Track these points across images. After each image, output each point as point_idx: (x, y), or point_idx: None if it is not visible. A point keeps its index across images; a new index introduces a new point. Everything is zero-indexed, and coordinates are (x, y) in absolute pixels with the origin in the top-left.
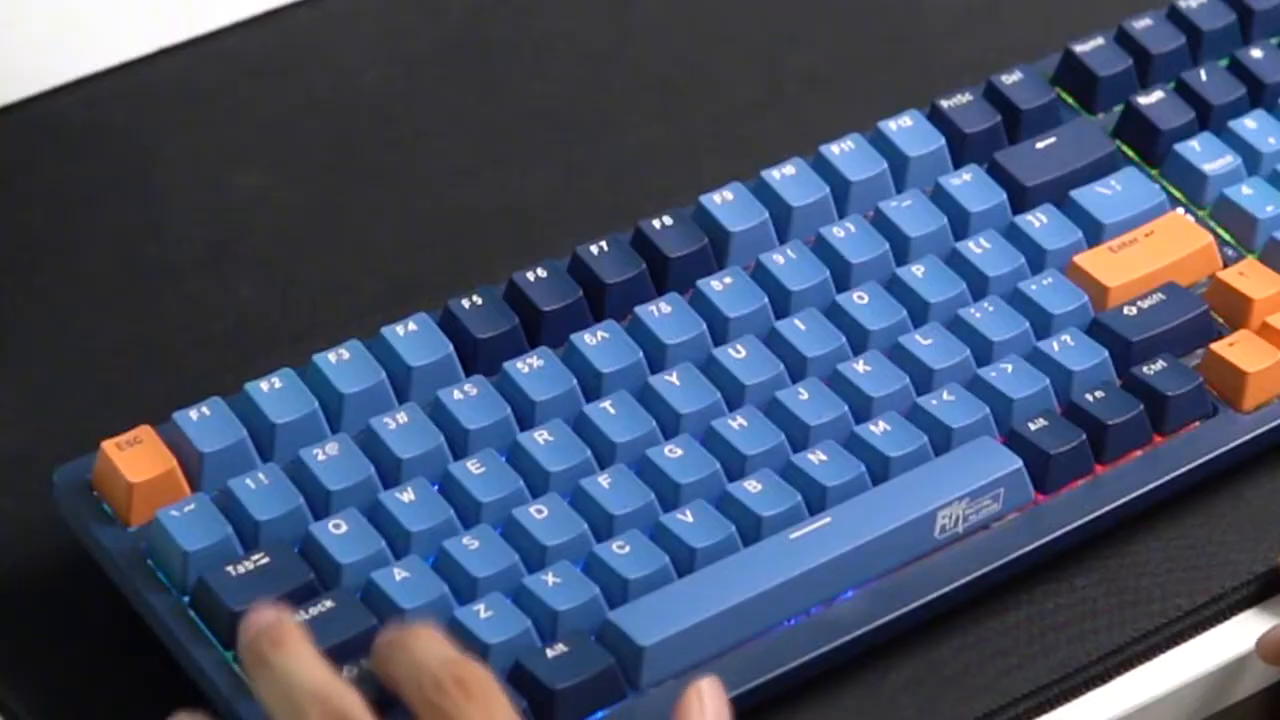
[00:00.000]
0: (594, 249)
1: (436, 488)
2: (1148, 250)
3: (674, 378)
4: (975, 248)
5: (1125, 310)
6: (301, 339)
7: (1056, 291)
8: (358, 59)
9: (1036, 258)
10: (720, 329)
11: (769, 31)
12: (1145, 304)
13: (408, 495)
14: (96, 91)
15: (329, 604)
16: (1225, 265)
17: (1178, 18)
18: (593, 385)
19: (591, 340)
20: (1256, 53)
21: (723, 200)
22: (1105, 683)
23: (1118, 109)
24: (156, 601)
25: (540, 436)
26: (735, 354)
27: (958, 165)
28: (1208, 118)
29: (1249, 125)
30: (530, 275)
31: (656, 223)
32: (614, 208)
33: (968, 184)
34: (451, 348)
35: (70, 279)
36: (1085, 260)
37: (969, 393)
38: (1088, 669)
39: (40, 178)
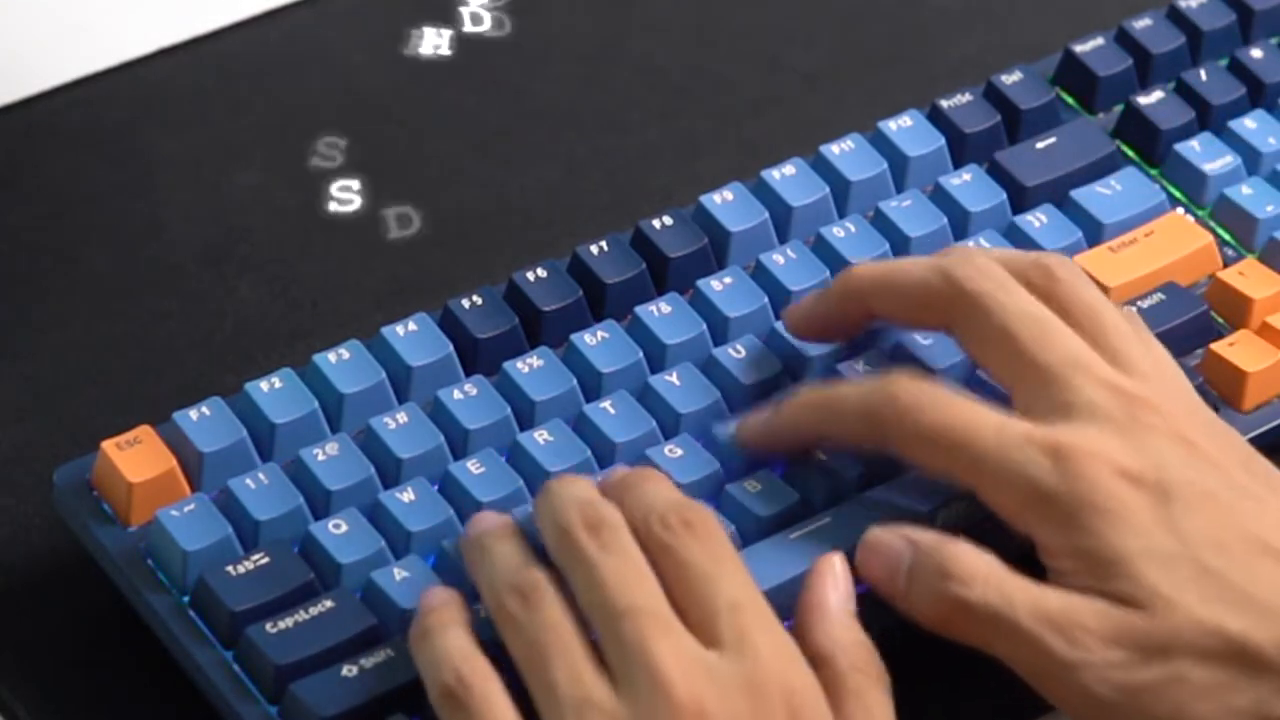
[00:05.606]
0: (594, 249)
1: (436, 488)
2: (1148, 250)
3: (674, 378)
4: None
5: (1125, 310)
6: (301, 339)
7: None
8: (358, 59)
9: None
10: (720, 329)
11: (769, 31)
12: (1145, 304)
13: (408, 495)
14: (96, 91)
15: (329, 604)
16: (1225, 265)
17: (1178, 18)
18: (593, 385)
19: (591, 340)
20: (1256, 53)
21: (723, 200)
22: None
23: (1118, 109)
24: (156, 601)
25: (540, 436)
26: (735, 354)
27: (958, 165)
28: (1208, 118)
29: (1249, 125)
30: (530, 275)
31: (656, 223)
32: (614, 208)
33: (968, 184)
34: (451, 348)
35: (70, 279)
36: (1085, 260)
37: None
38: None
39: (40, 178)
